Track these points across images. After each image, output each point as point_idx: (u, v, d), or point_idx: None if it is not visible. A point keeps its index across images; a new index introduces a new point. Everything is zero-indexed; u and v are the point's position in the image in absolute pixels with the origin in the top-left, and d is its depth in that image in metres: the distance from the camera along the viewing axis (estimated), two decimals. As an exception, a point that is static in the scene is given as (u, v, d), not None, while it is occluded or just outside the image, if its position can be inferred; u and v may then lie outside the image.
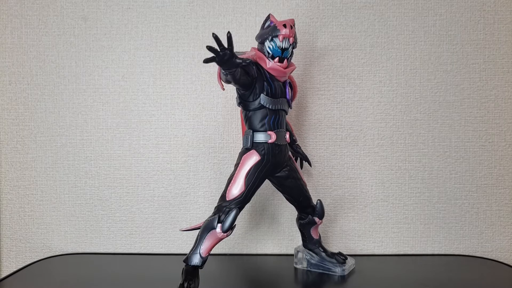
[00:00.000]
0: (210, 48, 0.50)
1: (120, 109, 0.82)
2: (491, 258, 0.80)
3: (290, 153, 0.67)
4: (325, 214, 0.69)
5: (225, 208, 0.59)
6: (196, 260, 0.58)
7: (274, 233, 0.83)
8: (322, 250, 0.71)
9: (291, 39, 0.60)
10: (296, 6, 0.81)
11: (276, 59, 0.60)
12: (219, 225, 0.58)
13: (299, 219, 0.71)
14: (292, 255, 0.75)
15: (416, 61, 0.81)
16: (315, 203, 0.68)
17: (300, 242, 0.73)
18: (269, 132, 0.61)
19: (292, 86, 0.68)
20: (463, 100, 0.81)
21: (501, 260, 0.79)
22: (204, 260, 0.58)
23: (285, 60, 0.61)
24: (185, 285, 0.55)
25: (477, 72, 0.81)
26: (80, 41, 0.82)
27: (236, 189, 0.60)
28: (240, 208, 0.60)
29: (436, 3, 0.81)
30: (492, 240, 0.82)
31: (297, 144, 0.73)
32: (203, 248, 0.58)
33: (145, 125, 0.82)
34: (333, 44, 0.81)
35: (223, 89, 0.60)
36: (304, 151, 0.74)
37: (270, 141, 0.61)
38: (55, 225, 0.84)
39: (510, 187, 0.82)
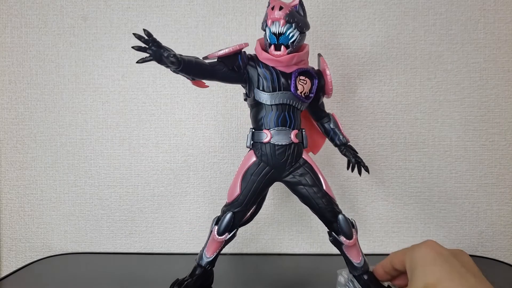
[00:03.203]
0: (138, 48, 0.48)
1: (120, 109, 0.82)
2: (492, 257, 0.80)
3: (307, 154, 0.59)
4: None
5: (224, 211, 0.57)
6: (201, 259, 0.58)
7: (274, 233, 0.83)
8: (368, 279, 0.56)
9: (281, 21, 0.53)
10: (296, 5, 0.81)
11: (272, 47, 0.55)
12: (215, 227, 0.57)
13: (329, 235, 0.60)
14: (291, 254, 0.75)
15: (416, 60, 0.81)
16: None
17: (299, 241, 0.73)
18: (264, 131, 0.56)
19: (317, 76, 0.58)
20: (463, 99, 0.81)
21: (501, 260, 0.79)
22: (209, 261, 0.57)
23: (283, 47, 0.55)
24: (180, 280, 0.57)
25: (477, 71, 0.81)
26: (80, 40, 0.82)
27: (233, 191, 0.57)
28: (236, 213, 0.56)
29: (436, 2, 0.81)
30: (492, 239, 0.82)
31: (348, 146, 0.63)
32: (207, 248, 0.58)
33: (145, 124, 0.82)
34: (333, 43, 0.81)
35: (206, 86, 0.56)
36: (356, 155, 0.63)
37: (265, 140, 0.56)
38: (55, 224, 0.83)
39: (510, 186, 0.82)
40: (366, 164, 0.62)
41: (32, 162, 0.83)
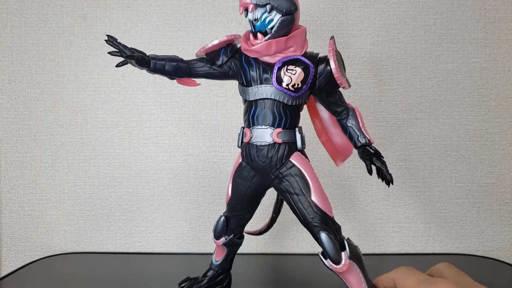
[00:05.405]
0: (114, 53, 0.52)
1: (120, 108, 0.82)
2: (492, 257, 0.80)
3: (300, 156, 0.51)
4: None
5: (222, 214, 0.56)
6: (212, 261, 0.58)
7: (274, 233, 0.83)
8: None
9: (250, 6, 0.47)
10: (296, 5, 0.81)
11: (251, 36, 0.50)
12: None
13: None
14: (291, 254, 0.75)
15: (416, 59, 0.81)
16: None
17: (299, 241, 0.73)
18: (246, 129, 0.51)
19: (316, 64, 0.50)
20: (463, 99, 0.81)
21: (501, 259, 0.79)
22: (218, 264, 0.57)
23: (259, 34, 0.49)
24: (190, 278, 0.57)
25: (477, 71, 0.81)
26: (79, 39, 0.82)
27: (227, 194, 0.55)
28: (230, 217, 0.55)
29: (436, 2, 0.81)
30: (493, 239, 0.82)
31: (366, 148, 0.50)
32: (215, 252, 0.58)
33: (144, 124, 0.82)
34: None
35: (197, 84, 0.56)
36: (372, 158, 0.49)
37: (245, 140, 0.51)
38: (54, 224, 0.83)
39: (511, 186, 0.82)
40: (389, 172, 0.48)
41: (31, 162, 0.83)
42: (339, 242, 0.47)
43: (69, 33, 0.82)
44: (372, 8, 0.81)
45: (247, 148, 0.51)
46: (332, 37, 0.52)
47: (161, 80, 0.82)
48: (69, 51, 0.82)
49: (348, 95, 0.81)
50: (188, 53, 0.81)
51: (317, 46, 0.81)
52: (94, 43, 0.81)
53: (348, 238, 0.48)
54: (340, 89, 0.53)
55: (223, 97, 0.81)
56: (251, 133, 0.50)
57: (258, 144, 0.50)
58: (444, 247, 0.82)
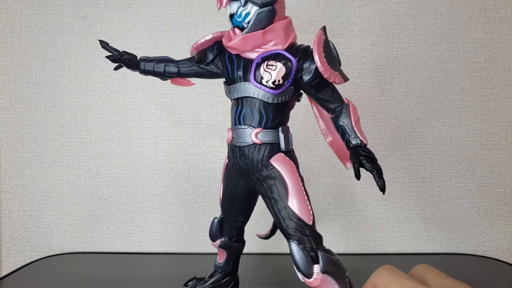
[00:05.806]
0: (112, 60, 0.52)
1: (120, 108, 0.82)
2: (492, 257, 0.80)
3: (282, 157, 0.47)
4: (325, 214, 0.68)
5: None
6: (215, 262, 0.58)
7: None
8: None
9: (224, 1, 0.46)
10: (296, 5, 0.81)
11: (231, 32, 0.48)
12: None
13: None
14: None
15: (416, 59, 0.81)
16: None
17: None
18: (228, 129, 0.49)
19: (300, 58, 0.46)
20: (463, 99, 0.81)
21: (501, 259, 0.79)
22: (220, 266, 0.57)
23: (237, 29, 0.47)
24: (197, 278, 0.58)
25: (477, 71, 0.81)
26: (79, 39, 0.82)
27: (220, 195, 0.54)
28: (222, 219, 0.54)
29: (436, 2, 0.81)
30: (492, 239, 0.82)
31: (357, 150, 0.45)
32: (218, 253, 0.58)
33: (144, 124, 0.82)
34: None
35: (191, 84, 0.56)
36: (361, 159, 0.44)
37: (227, 140, 0.49)
38: (54, 224, 0.83)
39: (511, 186, 0.82)
40: (383, 177, 0.42)
41: (31, 162, 0.83)
42: (315, 253, 0.42)
43: (69, 33, 0.82)
44: (372, 8, 0.81)
45: (230, 148, 0.49)
46: (322, 27, 0.48)
47: (161, 80, 0.82)
48: (69, 51, 0.82)
49: (348, 95, 0.81)
50: (188, 53, 0.81)
51: (317, 46, 0.81)
52: (94, 43, 0.81)
53: (327, 250, 0.43)
54: (336, 84, 0.48)
55: (223, 97, 0.81)
56: (232, 133, 0.48)
57: (239, 145, 0.47)
58: (444, 247, 0.82)
